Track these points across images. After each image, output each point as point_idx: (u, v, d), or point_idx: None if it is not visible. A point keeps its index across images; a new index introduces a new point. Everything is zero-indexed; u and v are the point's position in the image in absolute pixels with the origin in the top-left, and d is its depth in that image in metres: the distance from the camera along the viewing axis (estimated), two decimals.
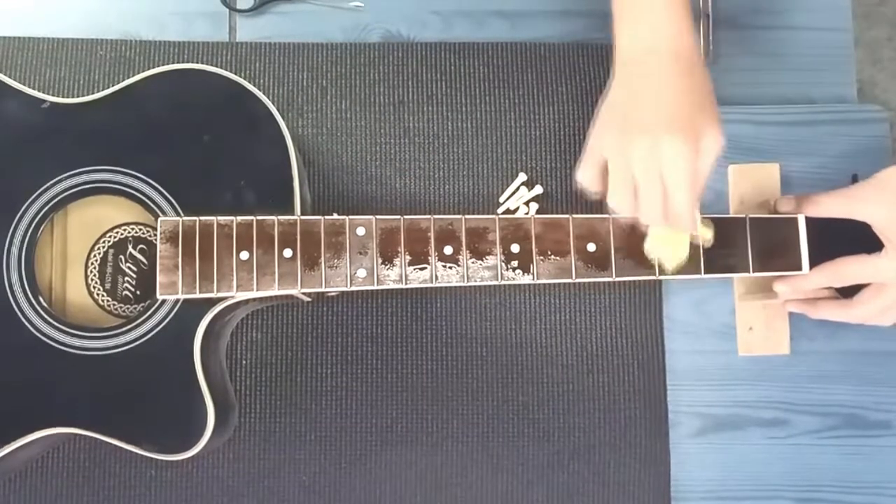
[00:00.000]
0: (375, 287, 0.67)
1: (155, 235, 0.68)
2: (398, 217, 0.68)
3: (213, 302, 0.66)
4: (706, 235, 0.68)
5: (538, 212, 0.79)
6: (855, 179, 0.73)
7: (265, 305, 0.76)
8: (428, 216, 0.68)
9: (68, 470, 0.74)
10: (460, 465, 0.76)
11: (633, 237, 0.64)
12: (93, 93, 0.70)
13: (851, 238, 0.71)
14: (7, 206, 0.68)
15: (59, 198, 0.68)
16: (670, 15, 0.61)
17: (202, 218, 0.66)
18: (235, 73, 0.70)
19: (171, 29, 0.82)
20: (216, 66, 0.70)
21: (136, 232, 0.73)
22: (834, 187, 0.74)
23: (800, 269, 0.70)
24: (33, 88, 0.70)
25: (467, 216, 0.68)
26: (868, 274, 0.66)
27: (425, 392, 0.76)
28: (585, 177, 0.65)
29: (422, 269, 0.68)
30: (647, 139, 0.59)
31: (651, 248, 0.68)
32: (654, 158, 0.59)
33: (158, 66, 0.70)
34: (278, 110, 0.69)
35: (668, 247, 0.68)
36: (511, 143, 0.80)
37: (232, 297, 0.66)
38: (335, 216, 0.68)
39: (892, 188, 0.63)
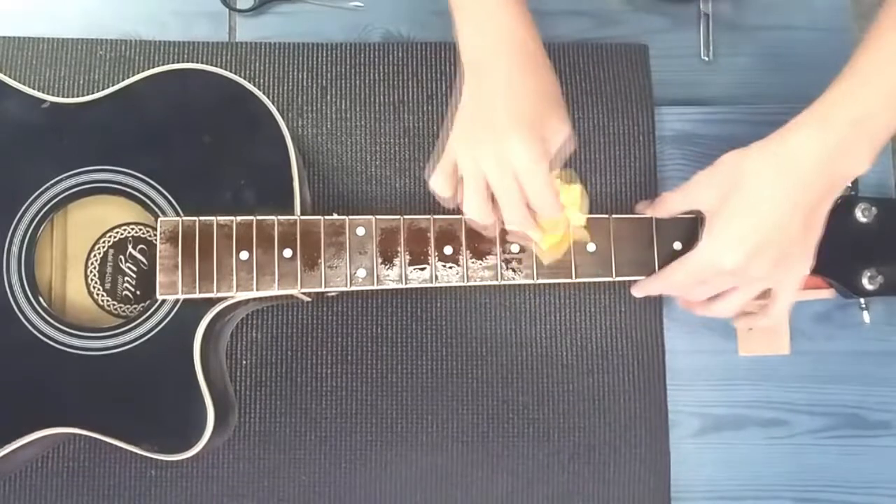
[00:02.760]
0: (375, 287, 0.67)
1: (155, 235, 0.68)
2: (398, 217, 0.68)
3: (212, 302, 0.66)
4: (578, 219, 0.66)
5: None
6: (855, 180, 0.72)
7: (265, 305, 0.76)
8: (428, 216, 0.68)
9: (68, 470, 0.74)
10: (460, 465, 0.76)
11: (632, 237, 0.64)
12: (93, 93, 0.70)
13: (852, 236, 0.71)
14: (7, 205, 0.68)
15: (59, 198, 0.68)
16: (511, 13, 0.60)
17: (202, 218, 0.67)
18: (235, 73, 0.70)
19: (171, 29, 0.82)
20: (216, 65, 0.70)
21: (136, 232, 0.73)
22: None
23: None
24: (33, 88, 0.70)
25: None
26: (691, 272, 0.64)
27: (425, 392, 0.76)
28: (437, 183, 0.63)
29: (422, 269, 0.68)
30: (494, 139, 0.59)
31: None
32: (504, 159, 0.58)
33: (158, 65, 0.70)
34: (278, 110, 0.69)
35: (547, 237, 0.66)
36: None
37: (232, 297, 0.66)
38: (335, 216, 0.68)
39: (722, 171, 0.62)
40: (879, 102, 0.59)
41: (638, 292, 0.69)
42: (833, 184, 0.61)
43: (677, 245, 0.68)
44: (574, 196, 0.64)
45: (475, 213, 0.62)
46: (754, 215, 0.60)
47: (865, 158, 0.60)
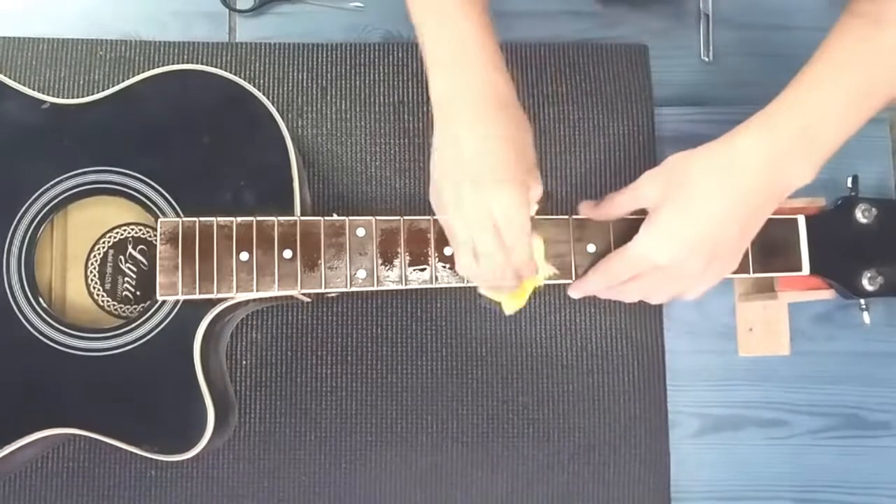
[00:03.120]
0: (375, 288, 0.67)
1: (155, 236, 0.68)
2: (398, 218, 0.68)
3: (212, 303, 0.66)
4: (547, 273, 0.67)
5: (538, 212, 0.78)
6: (855, 180, 0.72)
7: (265, 306, 0.76)
8: (428, 216, 0.68)
9: (68, 470, 0.74)
10: (460, 465, 0.76)
11: (633, 237, 0.64)
12: (93, 93, 0.70)
13: (853, 237, 0.71)
14: (7, 206, 0.68)
15: (59, 198, 0.68)
16: (487, 60, 0.59)
17: (202, 219, 0.66)
18: (235, 74, 0.70)
19: (171, 29, 0.82)
20: (216, 66, 0.70)
21: (136, 232, 0.73)
22: (833, 188, 0.74)
23: (800, 269, 0.70)
24: (33, 89, 0.70)
25: None
26: (625, 264, 0.64)
27: (425, 392, 0.76)
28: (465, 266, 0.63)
29: (422, 269, 0.68)
30: (478, 192, 0.58)
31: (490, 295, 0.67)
32: (487, 212, 0.59)
33: (158, 66, 0.70)
34: (278, 111, 0.69)
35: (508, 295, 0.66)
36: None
37: (232, 297, 0.66)
38: (335, 217, 0.68)
39: (667, 170, 0.62)
40: (826, 111, 0.59)
41: (576, 292, 0.68)
42: (774, 191, 0.61)
43: None
44: (539, 247, 0.66)
45: (467, 270, 0.62)
46: (694, 213, 0.60)
47: (809, 169, 0.60)
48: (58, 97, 0.70)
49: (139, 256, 0.72)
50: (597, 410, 0.77)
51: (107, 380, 0.66)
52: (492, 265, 0.61)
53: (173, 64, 0.71)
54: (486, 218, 0.59)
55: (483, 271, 0.61)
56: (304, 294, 0.69)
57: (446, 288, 0.77)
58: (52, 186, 0.68)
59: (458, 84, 0.59)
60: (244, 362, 0.76)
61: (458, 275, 0.67)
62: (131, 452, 0.65)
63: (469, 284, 0.68)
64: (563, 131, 0.80)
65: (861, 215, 0.71)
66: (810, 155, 0.59)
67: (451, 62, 0.60)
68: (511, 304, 0.67)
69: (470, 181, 0.59)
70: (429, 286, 0.68)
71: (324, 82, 0.80)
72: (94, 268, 0.72)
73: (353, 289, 0.67)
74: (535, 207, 0.63)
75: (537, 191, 0.62)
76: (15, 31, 0.80)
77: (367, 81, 0.80)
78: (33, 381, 0.66)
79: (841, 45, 0.59)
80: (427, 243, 0.67)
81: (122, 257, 0.72)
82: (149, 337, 0.66)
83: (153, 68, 0.69)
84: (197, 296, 0.66)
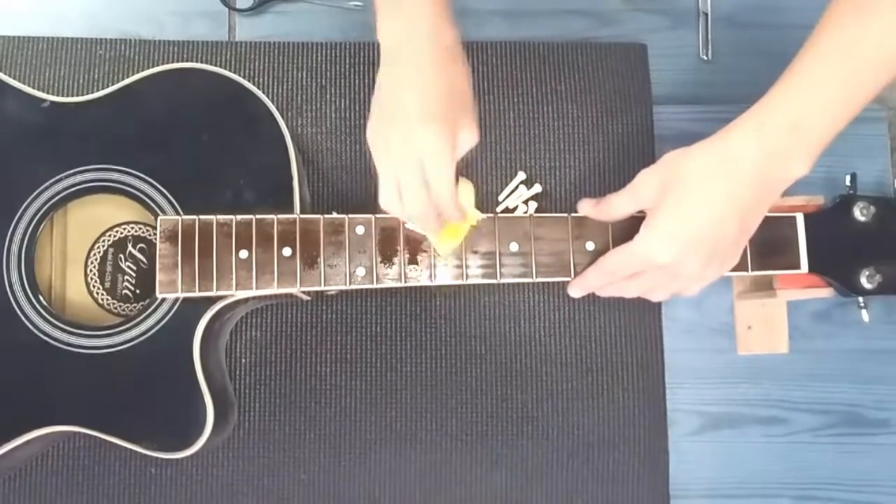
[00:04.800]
0: (374, 286, 0.67)
1: (154, 234, 0.68)
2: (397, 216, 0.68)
3: (212, 300, 0.66)
4: (477, 218, 0.66)
5: (537, 210, 0.79)
6: (853, 178, 0.73)
7: (265, 304, 0.76)
8: None
9: (68, 468, 0.74)
10: (459, 464, 0.76)
11: (632, 236, 0.64)
12: (92, 92, 0.71)
13: (851, 235, 0.71)
14: (7, 204, 0.68)
15: (58, 196, 0.68)
16: (431, 5, 0.60)
17: (201, 217, 0.67)
18: (235, 73, 0.70)
19: (170, 28, 0.82)
20: (216, 65, 0.70)
21: (136, 231, 0.73)
22: (832, 186, 0.75)
23: (798, 267, 0.70)
24: (33, 88, 0.70)
25: None
26: (628, 262, 0.64)
27: (425, 390, 0.76)
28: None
29: (421, 267, 0.68)
30: (404, 130, 0.59)
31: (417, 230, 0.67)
32: (413, 150, 0.59)
33: (158, 65, 0.70)
34: (278, 109, 0.69)
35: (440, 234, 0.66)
36: (510, 142, 0.80)
37: (231, 295, 0.66)
38: (334, 215, 0.68)
39: (664, 169, 0.62)
40: (816, 105, 0.59)
41: (576, 290, 0.68)
42: (770, 187, 0.61)
43: None
44: (468, 193, 0.66)
45: (387, 204, 0.62)
46: (692, 213, 0.61)
47: (803, 162, 0.60)
48: (57, 96, 0.70)
49: (139, 254, 0.73)
50: (596, 408, 0.77)
51: (106, 377, 0.66)
52: (414, 202, 0.61)
53: (173, 62, 0.71)
54: (411, 155, 0.59)
55: (406, 207, 0.62)
56: (303, 292, 0.69)
57: (445, 286, 0.77)
58: (52, 184, 0.68)
59: (403, 27, 0.60)
60: (244, 360, 0.76)
61: (458, 272, 0.68)
62: (131, 450, 0.65)
63: (467, 283, 0.68)
64: (562, 130, 0.80)
65: (860, 213, 0.71)
66: (803, 148, 0.59)
67: (396, 8, 0.60)
68: (442, 245, 0.67)
69: (400, 118, 0.59)
70: (428, 284, 0.68)
71: (323, 81, 0.80)
72: (94, 266, 0.72)
73: (353, 287, 0.67)
74: (465, 150, 0.62)
75: (470, 136, 0.61)
76: (15, 30, 0.80)
77: (366, 80, 0.80)
78: (33, 378, 0.66)
79: (826, 35, 0.59)
80: (426, 241, 0.68)
81: (121, 255, 0.73)
82: (148, 335, 0.66)
83: (153, 67, 0.70)
84: (196, 293, 0.66)
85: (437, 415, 0.76)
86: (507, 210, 0.79)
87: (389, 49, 0.60)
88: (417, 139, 0.59)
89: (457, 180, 0.62)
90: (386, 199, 0.62)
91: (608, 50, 0.82)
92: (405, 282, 0.68)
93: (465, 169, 0.79)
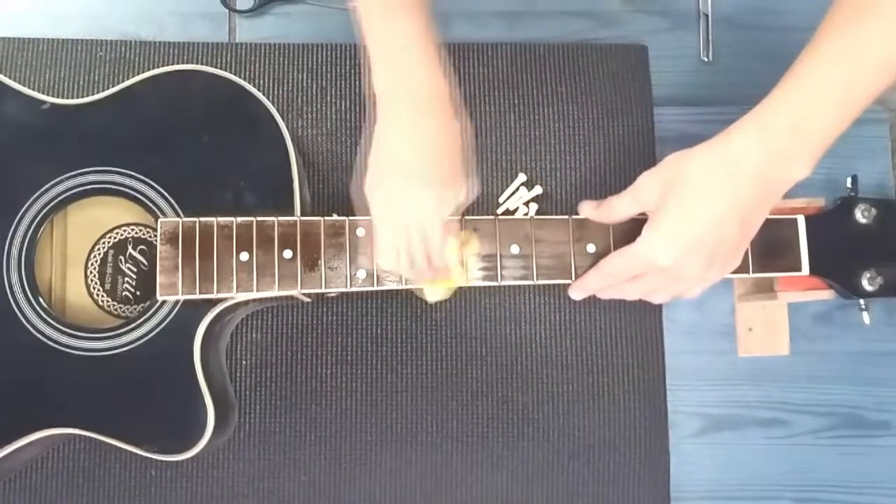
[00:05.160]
0: (375, 288, 0.67)
1: (155, 236, 0.68)
2: None
3: (212, 303, 0.66)
4: (460, 279, 0.68)
5: (538, 212, 0.79)
6: (855, 180, 0.73)
7: (265, 306, 0.76)
8: None
9: (68, 470, 0.74)
10: (460, 465, 0.76)
11: (632, 238, 0.64)
12: (93, 94, 0.71)
13: (852, 237, 0.71)
14: (7, 206, 0.68)
15: (59, 199, 0.68)
16: (425, 60, 0.61)
17: (202, 219, 0.67)
18: (235, 74, 0.70)
19: (170, 30, 0.82)
20: (216, 66, 0.70)
21: (136, 233, 0.73)
22: (833, 188, 0.75)
23: (799, 269, 0.70)
24: (33, 89, 0.70)
25: (467, 216, 0.68)
26: (629, 264, 0.64)
27: (425, 392, 0.76)
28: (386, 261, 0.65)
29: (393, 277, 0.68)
30: (405, 189, 0.61)
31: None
32: (415, 211, 0.61)
33: (158, 66, 0.70)
34: (278, 111, 0.69)
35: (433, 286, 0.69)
36: (511, 144, 0.80)
37: (232, 297, 0.66)
38: (335, 217, 0.68)
39: (665, 171, 0.62)
40: (817, 108, 0.59)
41: (577, 292, 0.69)
42: (771, 188, 0.61)
43: None
44: (453, 251, 0.67)
45: (391, 263, 0.64)
46: (694, 215, 0.61)
47: (804, 164, 0.60)
48: (58, 97, 0.70)
49: (139, 256, 0.73)
50: (596, 410, 0.77)
51: (107, 380, 0.66)
52: (417, 261, 0.63)
53: (173, 64, 0.71)
54: (413, 216, 0.62)
55: (406, 265, 0.64)
56: (304, 294, 0.69)
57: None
58: (52, 186, 0.68)
59: (396, 81, 0.61)
60: (244, 362, 0.76)
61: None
62: (131, 452, 0.65)
63: (468, 285, 0.68)
64: (562, 131, 0.80)
65: (860, 215, 0.71)
66: (804, 150, 0.59)
67: (391, 59, 0.62)
68: (431, 294, 0.69)
69: (401, 177, 0.61)
70: (399, 287, 0.68)
71: (323, 82, 0.80)
72: (94, 268, 0.72)
73: (354, 289, 0.67)
74: (461, 204, 0.64)
75: (466, 192, 0.64)
76: (15, 31, 0.80)
77: (367, 82, 0.80)
78: (33, 381, 0.66)
79: (827, 37, 0.59)
80: None
81: (122, 257, 0.72)
82: (149, 337, 0.66)
83: (153, 68, 0.70)
84: (197, 296, 0.66)
85: (437, 416, 0.76)
86: (507, 212, 0.79)
87: (384, 99, 0.62)
88: (419, 200, 0.61)
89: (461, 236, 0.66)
90: (386, 258, 0.64)
91: (608, 51, 0.82)
92: (406, 284, 0.67)
93: None
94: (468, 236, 0.68)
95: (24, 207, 0.68)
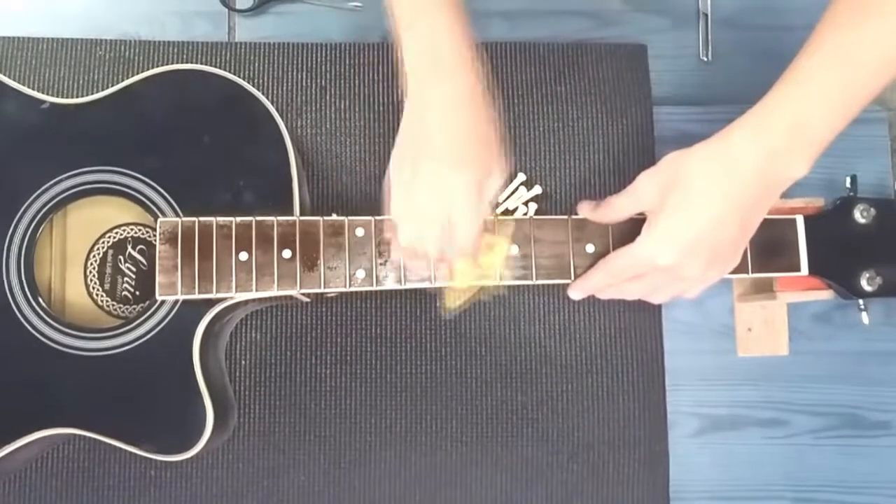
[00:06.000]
0: (374, 288, 0.67)
1: (154, 236, 0.68)
2: None
3: (212, 303, 0.66)
4: (492, 279, 0.67)
5: (537, 212, 0.79)
6: (854, 180, 0.73)
7: (264, 306, 0.76)
8: None
9: (68, 470, 0.74)
10: (459, 465, 0.76)
11: (631, 238, 0.64)
12: (92, 93, 0.71)
13: (851, 237, 0.71)
14: (7, 206, 0.68)
15: (58, 198, 0.68)
16: (460, 58, 0.61)
17: (201, 218, 0.67)
18: (234, 74, 0.70)
19: (170, 29, 0.82)
20: (215, 66, 0.70)
21: (136, 232, 0.73)
22: (832, 188, 0.74)
23: (799, 269, 0.70)
24: (33, 89, 0.70)
25: None
26: (629, 264, 0.64)
27: (424, 392, 0.76)
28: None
29: (421, 269, 0.67)
30: (434, 166, 0.60)
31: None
32: (442, 191, 0.60)
33: (158, 66, 0.70)
34: (277, 110, 0.69)
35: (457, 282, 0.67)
36: (510, 143, 0.80)
37: (231, 297, 0.66)
38: (334, 217, 0.68)
39: (664, 170, 0.62)
40: (814, 106, 0.59)
41: (576, 292, 0.68)
42: (770, 187, 0.61)
43: None
44: (500, 252, 0.66)
45: (414, 240, 0.63)
46: (692, 214, 0.61)
47: (803, 163, 0.60)
48: (57, 97, 0.70)
49: (138, 256, 0.73)
50: (596, 410, 0.77)
51: (106, 380, 0.66)
52: (434, 243, 0.62)
53: (173, 64, 0.71)
54: (440, 196, 0.60)
55: (425, 246, 0.62)
56: (303, 294, 0.69)
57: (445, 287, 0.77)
58: (52, 186, 0.68)
59: (432, 71, 0.61)
60: (243, 362, 0.76)
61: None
62: (130, 452, 0.65)
63: (470, 284, 0.68)
64: (562, 131, 0.80)
65: (860, 215, 0.71)
66: (803, 149, 0.59)
67: (426, 63, 0.61)
68: (450, 300, 0.68)
69: (430, 153, 0.60)
70: (428, 286, 0.68)
71: (323, 82, 0.80)
72: (94, 268, 0.72)
73: (353, 289, 0.67)
74: (492, 195, 0.63)
75: (498, 182, 0.62)
76: (15, 30, 0.80)
77: (366, 81, 0.80)
78: (32, 380, 0.66)
79: (825, 36, 0.59)
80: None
81: (121, 257, 0.72)
82: (148, 337, 0.66)
83: (153, 68, 0.69)
84: (196, 296, 0.66)
85: (437, 417, 0.76)
86: (506, 211, 0.79)
87: (416, 76, 0.61)
88: (447, 181, 0.60)
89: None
90: (408, 235, 0.63)
91: (608, 51, 0.82)
92: (405, 284, 0.67)
93: None
94: (494, 240, 0.66)
95: (24, 207, 0.68)
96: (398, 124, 0.77)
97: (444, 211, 0.61)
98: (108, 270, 0.72)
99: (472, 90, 0.61)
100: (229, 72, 0.70)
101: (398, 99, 0.80)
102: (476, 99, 0.61)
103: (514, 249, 0.67)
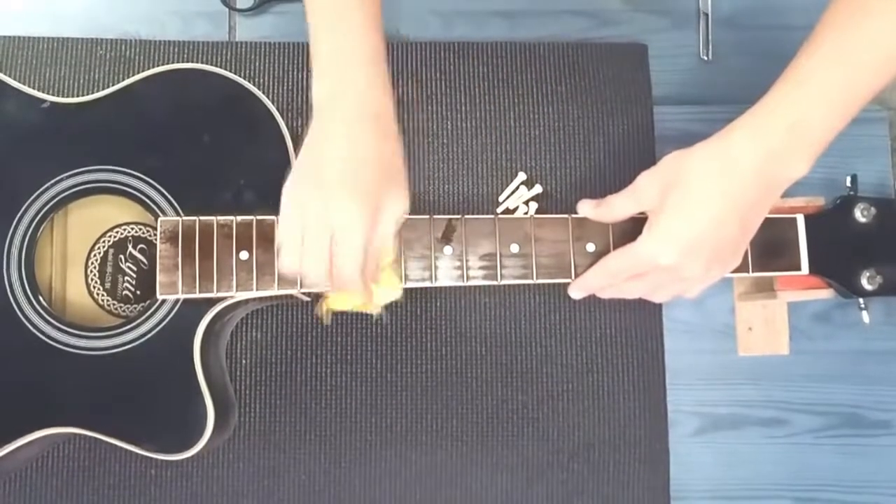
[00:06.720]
0: None
1: (155, 235, 0.68)
2: None
3: (212, 302, 0.66)
4: (388, 296, 0.66)
5: (538, 211, 0.79)
6: (854, 179, 0.73)
7: (265, 305, 0.76)
8: (427, 216, 0.68)
9: (68, 469, 0.74)
10: (460, 465, 0.76)
11: (632, 237, 0.64)
12: (93, 92, 0.71)
13: (852, 236, 0.71)
14: (7, 205, 0.68)
15: (59, 197, 0.68)
16: (372, 73, 0.60)
17: (202, 218, 0.67)
18: (235, 73, 0.70)
19: (170, 28, 0.82)
20: (216, 65, 0.70)
21: (136, 232, 0.73)
22: (832, 187, 0.75)
23: (799, 269, 0.70)
24: (33, 88, 0.70)
25: (467, 216, 0.68)
26: (630, 263, 0.64)
27: (425, 391, 0.76)
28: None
29: (421, 268, 0.68)
30: (322, 198, 0.59)
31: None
32: (327, 219, 0.58)
33: (158, 65, 0.70)
34: (278, 110, 0.69)
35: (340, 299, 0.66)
36: (510, 143, 0.80)
37: (232, 296, 0.66)
38: None
39: (664, 170, 0.62)
40: (814, 106, 0.59)
41: (576, 291, 0.68)
42: (770, 187, 0.61)
43: None
44: (384, 292, 0.65)
45: (287, 260, 0.61)
46: (692, 214, 0.61)
47: (803, 163, 0.60)
48: (58, 96, 0.70)
49: (139, 255, 0.73)
50: (596, 409, 0.77)
51: (107, 379, 0.66)
52: (314, 270, 0.60)
53: (173, 63, 0.71)
54: (324, 226, 0.59)
55: (303, 269, 0.61)
56: (303, 293, 0.69)
57: (446, 287, 0.77)
58: (53, 185, 0.68)
59: (337, 90, 0.60)
60: (244, 361, 0.76)
61: (458, 274, 0.68)
62: (131, 451, 0.65)
63: (468, 284, 0.68)
64: (562, 130, 0.80)
65: (860, 214, 0.71)
66: (802, 149, 0.59)
67: (336, 67, 0.60)
68: (335, 303, 0.66)
69: (319, 185, 0.59)
70: (428, 285, 0.68)
71: None
72: (95, 267, 0.72)
73: None
74: (395, 222, 0.61)
75: (398, 208, 0.61)
76: (15, 30, 0.80)
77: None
78: (33, 380, 0.66)
79: (825, 36, 0.59)
80: (426, 242, 0.68)
81: (122, 256, 0.72)
82: (149, 336, 0.66)
83: (153, 67, 0.70)
84: (197, 295, 0.66)
85: (437, 416, 0.76)
86: (507, 211, 0.79)
87: (327, 107, 0.60)
88: (333, 209, 0.58)
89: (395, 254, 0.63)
90: (288, 261, 0.61)
91: (608, 50, 0.82)
92: (406, 283, 0.67)
93: (467, 170, 0.79)
94: (385, 277, 0.65)
95: (24, 206, 0.68)
96: (398, 124, 0.77)
97: (326, 244, 0.59)
98: (109, 269, 0.72)
99: (372, 109, 0.60)
100: (230, 71, 0.70)
101: (398, 99, 0.80)
102: (381, 120, 0.60)
103: (398, 294, 0.66)
